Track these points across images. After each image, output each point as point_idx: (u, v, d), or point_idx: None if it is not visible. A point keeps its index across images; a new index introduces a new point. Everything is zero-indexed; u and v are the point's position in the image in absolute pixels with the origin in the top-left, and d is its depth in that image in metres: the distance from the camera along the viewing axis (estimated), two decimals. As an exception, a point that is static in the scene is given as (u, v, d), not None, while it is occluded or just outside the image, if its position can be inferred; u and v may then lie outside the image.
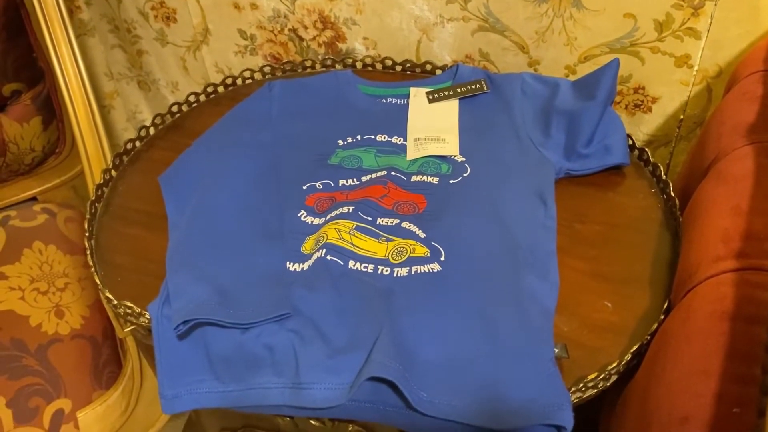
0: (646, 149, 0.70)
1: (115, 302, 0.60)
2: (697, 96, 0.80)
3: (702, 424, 0.40)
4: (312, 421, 0.61)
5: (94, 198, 0.70)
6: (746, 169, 0.54)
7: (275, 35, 0.99)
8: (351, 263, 0.59)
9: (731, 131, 0.59)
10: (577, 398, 0.51)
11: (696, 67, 0.77)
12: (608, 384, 0.53)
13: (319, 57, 0.97)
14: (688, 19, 0.73)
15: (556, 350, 0.52)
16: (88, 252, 0.64)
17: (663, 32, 0.76)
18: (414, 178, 0.68)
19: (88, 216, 0.68)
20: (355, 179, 0.69)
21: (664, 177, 0.67)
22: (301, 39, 0.98)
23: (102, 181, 0.72)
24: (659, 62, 0.78)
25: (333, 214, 0.64)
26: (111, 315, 0.81)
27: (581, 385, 0.51)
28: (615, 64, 0.70)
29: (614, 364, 0.52)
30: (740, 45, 0.73)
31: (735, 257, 0.48)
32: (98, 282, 0.62)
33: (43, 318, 0.80)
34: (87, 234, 0.66)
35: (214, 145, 0.74)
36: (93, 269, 0.63)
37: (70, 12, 1.10)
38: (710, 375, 0.42)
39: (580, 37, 0.80)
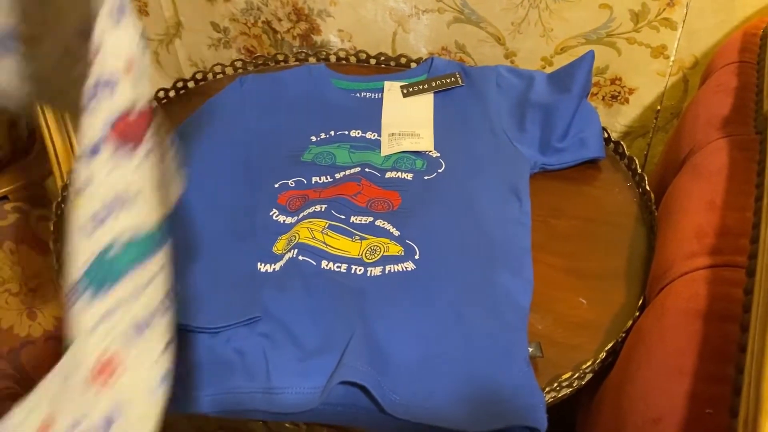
0: (622, 142, 0.70)
1: (82, 307, 0.58)
2: (673, 87, 0.79)
3: (674, 425, 0.40)
4: (286, 424, 0.60)
5: (60, 199, 0.68)
6: (720, 162, 0.53)
7: (249, 28, 0.98)
8: (324, 263, 0.58)
9: (706, 124, 0.59)
10: (551, 398, 0.51)
11: (672, 58, 0.77)
12: (583, 383, 0.52)
13: (293, 50, 0.95)
14: (664, 9, 0.73)
15: (531, 349, 0.52)
16: (54, 256, 0.63)
17: (639, 23, 0.75)
18: (388, 175, 0.67)
19: (54, 218, 0.66)
20: (328, 176, 0.68)
21: (639, 171, 0.67)
22: (276, 31, 0.96)
23: (68, 182, 0.70)
24: (636, 53, 0.78)
25: (305, 213, 0.62)
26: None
27: (556, 384, 0.50)
28: (590, 57, 0.69)
29: (589, 363, 0.51)
30: (716, 35, 0.73)
31: (709, 254, 0.48)
32: (63, 286, 0.60)
33: (15, 320, 0.79)
34: (53, 237, 0.65)
35: (184, 143, 0.72)
36: (59, 272, 0.62)
37: (38, 5, 1.07)
38: (683, 374, 0.42)
39: (556, 28, 0.79)
